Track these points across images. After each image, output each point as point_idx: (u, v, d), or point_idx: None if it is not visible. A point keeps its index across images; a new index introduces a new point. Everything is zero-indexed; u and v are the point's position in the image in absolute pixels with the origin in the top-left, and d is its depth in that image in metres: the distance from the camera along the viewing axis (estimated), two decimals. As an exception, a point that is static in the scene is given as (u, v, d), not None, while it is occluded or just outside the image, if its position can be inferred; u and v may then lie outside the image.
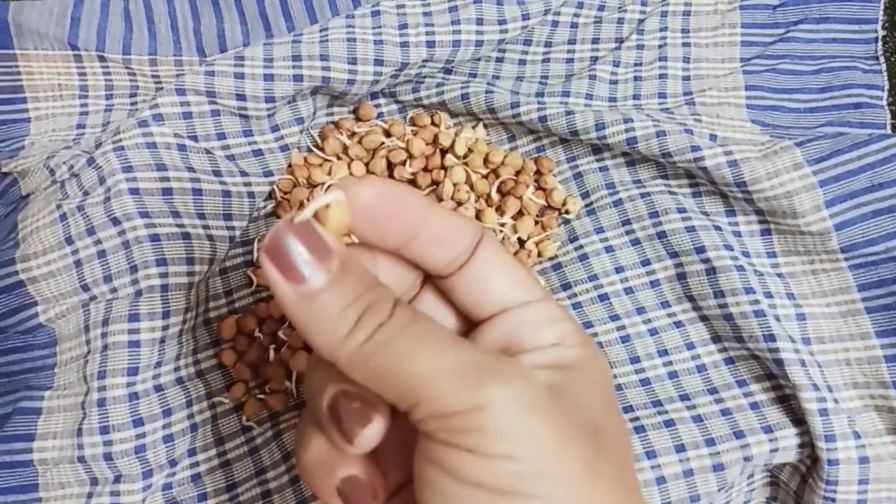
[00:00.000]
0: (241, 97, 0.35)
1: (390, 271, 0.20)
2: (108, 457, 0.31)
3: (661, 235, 0.36)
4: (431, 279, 0.20)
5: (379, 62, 0.36)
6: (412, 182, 0.40)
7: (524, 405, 0.16)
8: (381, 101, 0.41)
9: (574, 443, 0.16)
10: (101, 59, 0.40)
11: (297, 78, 0.36)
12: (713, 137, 0.36)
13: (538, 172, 0.39)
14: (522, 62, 0.41)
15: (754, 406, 0.33)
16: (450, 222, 0.19)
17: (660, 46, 0.41)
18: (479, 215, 0.38)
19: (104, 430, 0.31)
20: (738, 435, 0.32)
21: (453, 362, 0.16)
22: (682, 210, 0.35)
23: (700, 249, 0.34)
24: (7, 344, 0.34)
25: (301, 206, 0.38)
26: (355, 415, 0.17)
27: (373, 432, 0.17)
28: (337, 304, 0.16)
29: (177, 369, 0.34)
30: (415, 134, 0.40)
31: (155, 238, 0.32)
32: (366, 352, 0.16)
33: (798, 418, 0.33)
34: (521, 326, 0.19)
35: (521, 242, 0.38)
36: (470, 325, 0.20)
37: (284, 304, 0.16)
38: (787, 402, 0.33)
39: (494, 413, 0.15)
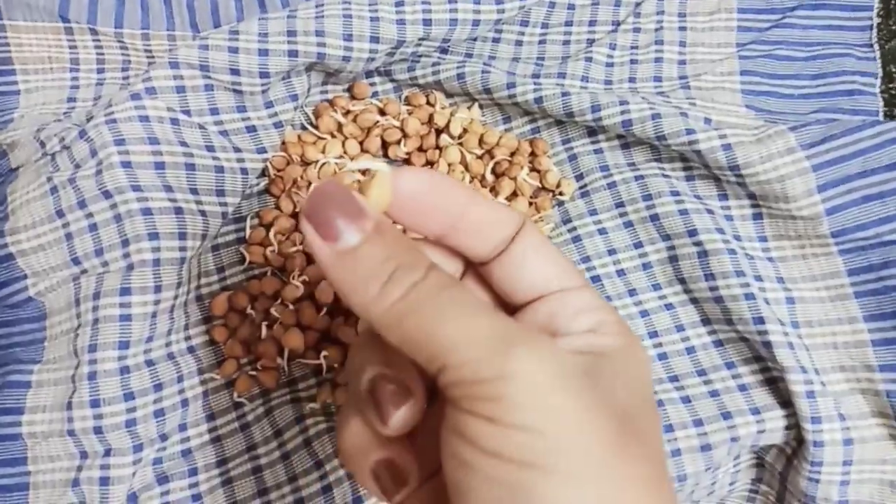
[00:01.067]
0: (234, 72, 0.35)
1: (433, 258, 0.20)
2: (98, 430, 0.31)
3: (654, 218, 0.36)
4: (472, 266, 0.21)
5: (375, 39, 0.36)
6: (406, 162, 0.39)
7: (549, 379, 0.16)
8: (377, 79, 0.41)
9: (600, 424, 0.16)
10: (93, 32, 0.39)
11: (292, 53, 0.35)
12: (708, 121, 0.36)
13: (533, 154, 0.39)
14: (519, 43, 0.41)
15: (742, 388, 0.34)
16: (491, 212, 0.19)
17: (656, 30, 0.41)
18: (473, 196, 0.38)
19: (94, 404, 0.31)
20: (726, 416, 0.33)
21: (482, 330, 0.16)
22: (675, 193, 0.36)
23: (692, 232, 0.34)
24: (-4, 317, 0.34)
25: (294, 183, 0.38)
26: (391, 396, 0.17)
27: (406, 414, 0.17)
28: (370, 261, 0.17)
29: (168, 344, 0.33)
30: (410, 113, 0.39)
31: (147, 212, 0.32)
32: (399, 310, 0.16)
33: (785, 400, 0.33)
34: (559, 312, 0.19)
35: (515, 223, 0.38)
36: (509, 312, 0.20)
37: (320, 261, 0.17)
38: (775, 384, 0.34)
39: (517, 384, 0.15)
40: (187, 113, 0.35)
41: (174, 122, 0.35)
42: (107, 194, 0.32)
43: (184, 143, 0.35)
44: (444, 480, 0.17)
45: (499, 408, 0.15)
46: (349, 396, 0.20)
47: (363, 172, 0.34)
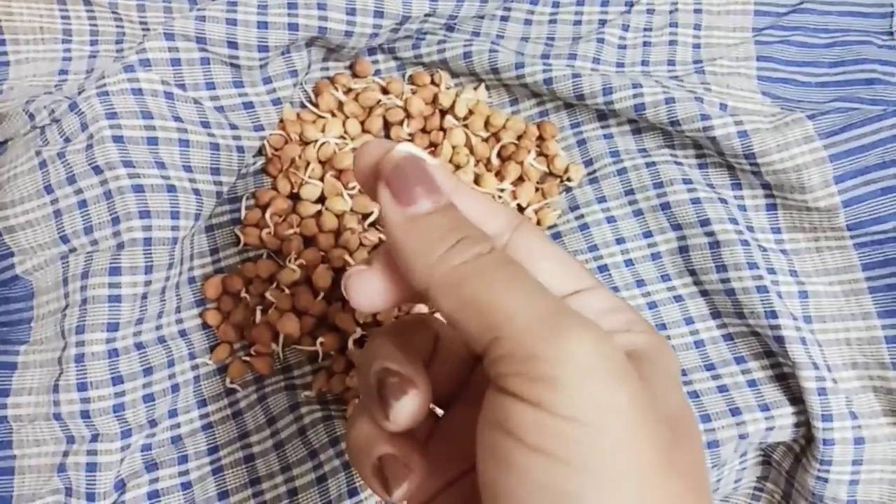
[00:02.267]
0: (232, 45, 0.34)
1: None
2: (85, 414, 0.30)
3: (665, 207, 0.35)
4: None
5: (379, 14, 0.35)
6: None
7: (608, 369, 0.14)
8: (379, 57, 0.40)
9: (652, 428, 0.14)
10: (86, 2, 0.38)
11: (293, 27, 0.34)
12: (723, 107, 0.35)
13: (540, 138, 0.38)
14: (528, 22, 0.40)
15: (751, 383, 0.33)
16: (480, 200, 0.19)
17: (671, 12, 0.39)
18: (477, 180, 0.36)
19: (82, 387, 0.30)
20: (735, 412, 0.32)
21: (543, 306, 0.15)
22: (687, 181, 0.34)
23: (704, 222, 0.33)
24: (-19, 296, 0.33)
25: (292, 163, 0.36)
26: (392, 388, 0.17)
27: (407, 406, 0.17)
28: (439, 228, 0.17)
29: (159, 327, 0.32)
30: (414, 93, 0.38)
31: (139, 189, 0.31)
32: (459, 275, 0.16)
33: (795, 397, 0.32)
34: (586, 312, 0.17)
35: (521, 209, 0.37)
36: None
37: (391, 223, 0.17)
38: (785, 380, 0.33)
39: (573, 367, 0.14)
40: (182, 87, 0.34)
41: (168, 95, 0.33)
42: (97, 170, 0.31)
43: (178, 119, 0.33)
44: (467, 488, 0.16)
45: (549, 391, 0.14)
46: (360, 394, 0.19)
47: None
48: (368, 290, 0.18)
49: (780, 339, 0.31)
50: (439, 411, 0.21)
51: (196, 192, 0.33)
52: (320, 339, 0.34)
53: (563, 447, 0.14)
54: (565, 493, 0.14)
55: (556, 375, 0.14)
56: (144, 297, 0.31)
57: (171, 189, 0.32)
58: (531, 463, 0.14)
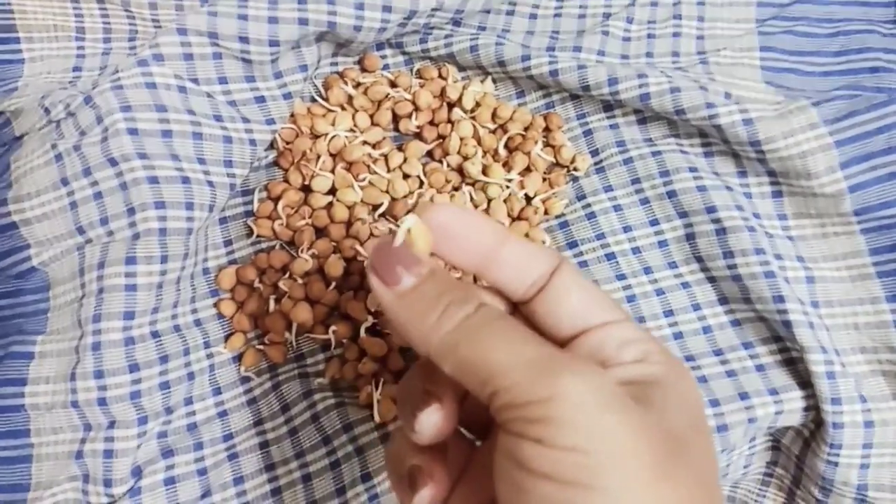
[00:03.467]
0: (244, 39, 0.34)
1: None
2: (102, 402, 0.30)
3: (672, 195, 0.35)
4: (518, 309, 0.21)
5: (387, 8, 0.35)
6: (418, 136, 0.39)
7: (595, 400, 0.16)
8: (388, 51, 0.40)
9: (647, 446, 0.16)
10: (100, 0, 0.38)
11: (303, 21, 0.34)
12: (728, 95, 0.35)
13: (547, 129, 0.38)
14: (533, 16, 0.40)
15: (759, 368, 0.33)
16: (525, 249, 0.20)
17: (674, 4, 0.40)
18: (485, 170, 0.37)
19: (98, 375, 0.30)
20: (743, 396, 0.32)
21: (531, 355, 0.17)
22: (693, 169, 0.35)
23: (711, 209, 0.34)
24: (-1, 288, 0.33)
25: (303, 156, 0.37)
26: (419, 401, 0.19)
27: (431, 418, 0.19)
28: (426, 298, 0.19)
29: (174, 316, 0.33)
30: (422, 86, 0.39)
31: (153, 180, 0.31)
32: (453, 339, 0.18)
33: (803, 381, 0.32)
34: (604, 345, 0.19)
35: (528, 199, 0.37)
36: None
37: (384, 304, 0.19)
38: (793, 364, 0.33)
39: (564, 404, 0.16)
40: (195, 81, 0.35)
41: (181, 89, 0.34)
42: (112, 162, 0.32)
43: (191, 112, 0.34)
44: None
45: (547, 429, 0.16)
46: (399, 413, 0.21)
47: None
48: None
49: (787, 324, 0.32)
50: (470, 438, 0.23)
51: (210, 183, 0.33)
52: (333, 328, 0.34)
53: (567, 472, 0.16)
54: None
55: (552, 415, 0.16)
56: (160, 286, 0.31)
57: (186, 180, 0.32)
58: (542, 488, 0.16)
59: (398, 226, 0.19)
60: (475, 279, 0.33)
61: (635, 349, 0.19)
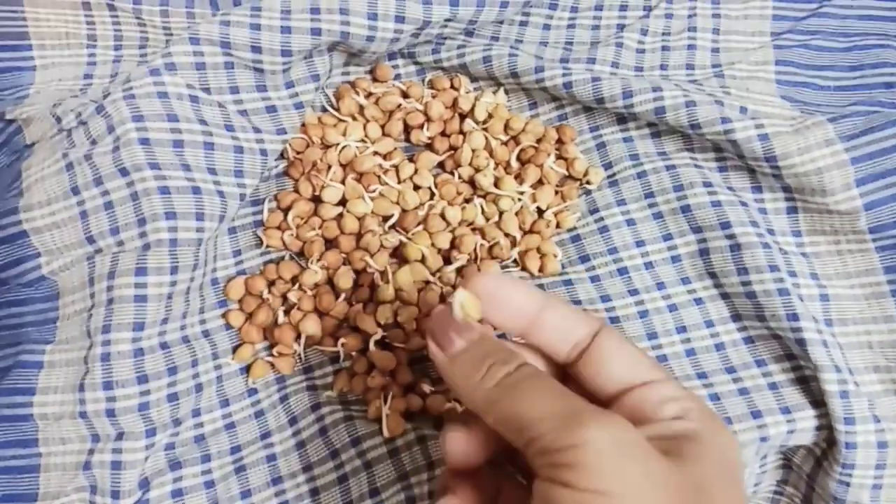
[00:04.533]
0: (256, 49, 0.34)
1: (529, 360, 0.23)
2: (110, 413, 0.30)
3: (686, 209, 0.35)
4: (565, 370, 0.23)
5: (400, 19, 0.35)
6: (429, 147, 0.38)
7: (620, 448, 0.18)
8: (399, 62, 0.40)
9: (671, 495, 0.18)
10: (111, 7, 0.38)
11: (315, 31, 0.34)
12: (744, 110, 0.35)
13: (560, 141, 0.38)
14: (547, 27, 0.40)
15: (772, 386, 0.33)
16: (565, 314, 0.22)
17: (689, 16, 0.40)
18: (497, 183, 0.37)
19: (107, 386, 0.30)
20: (756, 415, 0.32)
21: (562, 407, 0.19)
22: (707, 184, 0.34)
23: (725, 225, 0.33)
24: (8, 296, 0.33)
25: (314, 166, 0.37)
26: (448, 424, 0.22)
27: (456, 440, 0.22)
28: (473, 359, 0.22)
29: (183, 327, 0.33)
30: (434, 97, 0.38)
31: (164, 191, 0.31)
32: (493, 395, 0.20)
33: (816, 400, 0.32)
34: (644, 403, 0.21)
35: (540, 212, 0.37)
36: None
37: (438, 365, 0.22)
38: (806, 383, 0.33)
39: (590, 451, 0.18)
40: (207, 91, 0.34)
41: (193, 99, 0.34)
42: (123, 172, 0.31)
43: (203, 122, 0.34)
44: None
45: (574, 473, 0.18)
46: None
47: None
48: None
49: (801, 342, 0.31)
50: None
51: (220, 193, 0.33)
52: (342, 340, 0.34)
53: None
54: None
55: (577, 460, 0.18)
56: (170, 297, 0.31)
57: (196, 191, 0.32)
58: None
59: (451, 299, 0.22)
60: None
61: (675, 406, 0.21)
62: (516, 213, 0.36)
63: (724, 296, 0.34)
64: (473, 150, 0.37)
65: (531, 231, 0.36)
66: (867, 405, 0.31)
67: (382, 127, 0.38)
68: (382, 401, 0.33)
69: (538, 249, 0.36)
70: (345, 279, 0.34)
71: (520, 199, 0.36)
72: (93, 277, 0.32)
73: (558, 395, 0.20)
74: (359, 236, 0.36)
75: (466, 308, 0.22)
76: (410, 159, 0.38)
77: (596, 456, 0.18)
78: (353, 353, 0.35)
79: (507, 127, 0.38)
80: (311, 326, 0.34)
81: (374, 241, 0.35)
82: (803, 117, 0.34)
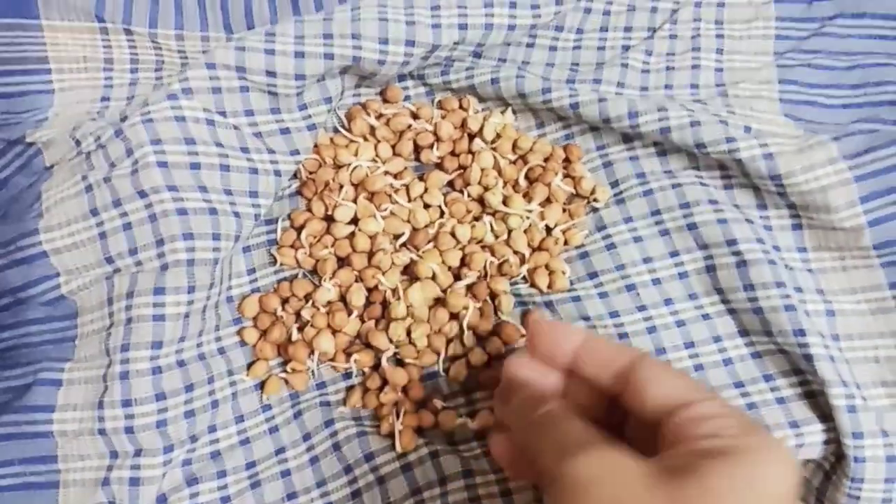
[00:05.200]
0: (270, 73, 0.35)
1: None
2: (129, 430, 0.31)
3: (692, 227, 0.35)
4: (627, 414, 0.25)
5: (410, 43, 0.36)
6: (439, 166, 0.39)
7: (596, 477, 0.20)
8: (409, 83, 0.41)
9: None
10: (128, 32, 0.39)
11: (328, 56, 0.35)
12: (748, 129, 0.35)
13: (567, 160, 0.38)
14: (553, 48, 0.41)
15: (780, 401, 0.33)
16: (605, 347, 0.25)
17: (693, 37, 0.40)
18: (506, 201, 0.37)
19: (126, 404, 0.31)
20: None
21: (563, 442, 0.22)
22: (713, 202, 0.35)
23: (731, 242, 0.34)
24: (27, 315, 0.34)
25: (326, 186, 0.38)
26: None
27: (495, 442, 0.27)
28: (520, 406, 0.26)
29: (199, 345, 0.33)
30: (443, 117, 0.39)
31: (182, 212, 0.32)
32: (525, 431, 0.25)
33: (824, 414, 0.32)
34: (682, 423, 0.21)
35: (549, 230, 0.37)
36: (649, 432, 0.23)
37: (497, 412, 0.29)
38: (813, 397, 0.33)
39: (567, 480, 0.20)
40: (223, 114, 0.35)
41: (210, 122, 0.35)
42: (142, 194, 0.32)
43: (219, 144, 0.35)
44: None
45: (554, 500, 0.21)
46: None
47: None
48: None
49: (808, 357, 0.32)
50: None
51: (236, 214, 0.34)
52: (355, 357, 0.34)
53: None
54: None
55: (557, 489, 0.21)
56: (187, 315, 0.32)
57: (213, 212, 0.33)
58: None
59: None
60: None
61: (713, 424, 0.21)
62: (525, 231, 0.37)
63: (732, 311, 0.35)
64: (482, 170, 0.38)
65: (540, 248, 0.37)
66: (875, 419, 0.31)
67: (393, 147, 0.39)
68: (395, 416, 0.34)
69: (547, 266, 0.37)
70: (357, 296, 0.35)
71: (528, 217, 0.37)
72: (111, 297, 0.32)
73: (569, 431, 0.22)
74: (370, 254, 0.36)
75: None
76: (420, 178, 0.39)
77: (570, 484, 0.20)
78: (366, 370, 0.35)
79: (515, 146, 0.39)
80: (325, 344, 0.34)
81: (385, 259, 0.36)
82: (807, 136, 0.35)
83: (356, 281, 0.36)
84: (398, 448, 0.33)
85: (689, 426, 0.21)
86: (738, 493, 0.19)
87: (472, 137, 0.39)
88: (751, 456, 0.19)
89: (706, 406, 0.21)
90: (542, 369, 0.26)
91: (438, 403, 0.34)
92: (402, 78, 0.41)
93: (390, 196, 0.37)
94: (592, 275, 0.37)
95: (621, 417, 0.25)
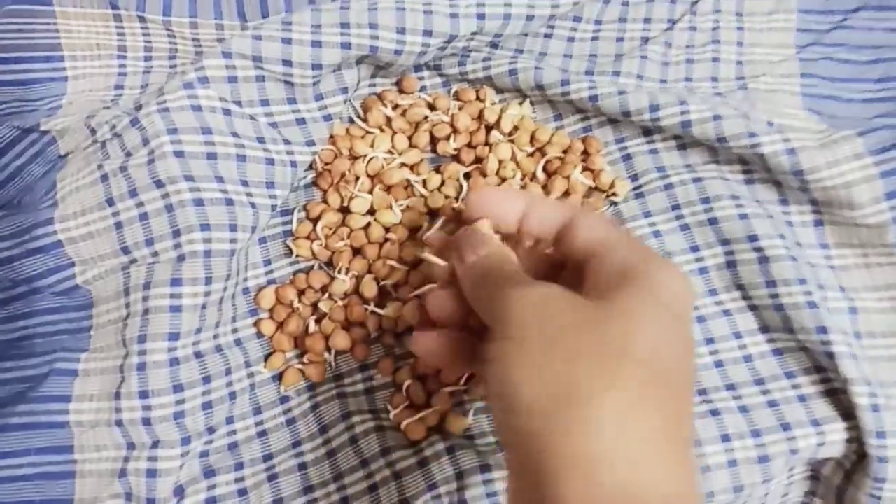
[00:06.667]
0: (287, 63, 0.35)
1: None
2: (146, 421, 0.30)
3: (713, 221, 0.35)
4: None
5: (428, 33, 0.35)
6: (455, 158, 0.39)
7: (528, 305, 0.22)
8: (425, 73, 0.41)
9: (583, 326, 0.21)
10: (141, 19, 0.39)
11: (345, 46, 0.35)
12: (770, 124, 0.35)
13: (585, 153, 0.38)
14: (571, 39, 0.40)
15: (801, 399, 0.33)
16: (549, 204, 0.28)
17: (713, 29, 0.40)
18: (523, 194, 0.37)
19: (143, 395, 0.30)
20: (785, 427, 0.32)
21: (498, 280, 0.25)
22: (734, 197, 0.35)
23: (753, 237, 0.33)
24: (42, 304, 0.34)
25: (342, 177, 0.37)
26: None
27: (418, 337, 0.28)
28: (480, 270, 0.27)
29: (216, 336, 0.33)
30: (460, 109, 0.39)
31: (199, 202, 0.32)
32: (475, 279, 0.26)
33: (846, 413, 0.32)
34: (600, 259, 0.24)
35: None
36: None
37: (458, 273, 0.27)
38: (835, 395, 0.33)
39: (503, 309, 0.23)
40: (238, 103, 0.35)
41: (226, 112, 0.34)
42: (159, 183, 0.32)
43: (235, 134, 0.34)
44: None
45: (495, 329, 0.23)
46: None
47: None
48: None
49: (830, 355, 0.31)
50: None
51: (252, 205, 0.34)
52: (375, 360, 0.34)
53: (491, 355, 0.23)
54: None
55: (495, 317, 0.23)
56: (204, 307, 0.32)
57: (230, 202, 0.33)
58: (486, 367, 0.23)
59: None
60: None
61: (620, 259, 0.24)
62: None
63: (752, 308, 0.34)
64: (500, 162, 0.37)
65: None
66: (897, 419, 0.31)
67: (409, 138, 0.39)
68: (404, 395, 0.33)
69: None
70: (369, 288, 0.35)
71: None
72: (128, 287, 0.32)
73: (510, 272, 0.25)
74: (381, 246, 0.36)
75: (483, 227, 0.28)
76: (437, 170, 0.38)
77: (504, 312, 0.22)
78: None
79: (533, 138, 0.38)
80: (341, 342, 0.34)
81: (394, 250, 0.36)
82: (830, 131, 0.34)
83: (368, 272, 0.36)
84: (406, 434, 0.33)
85: (604, 262, 0.24)
86: (645, 305, 0.22)
87: (489, 129, 0.39)
88: (650, 278, 0.23)
89: (615, 244, 0.25)
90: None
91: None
92: (418, 68, 0.40)
93: (405, 188, 0.37)
94: (611, 269, 0.36)
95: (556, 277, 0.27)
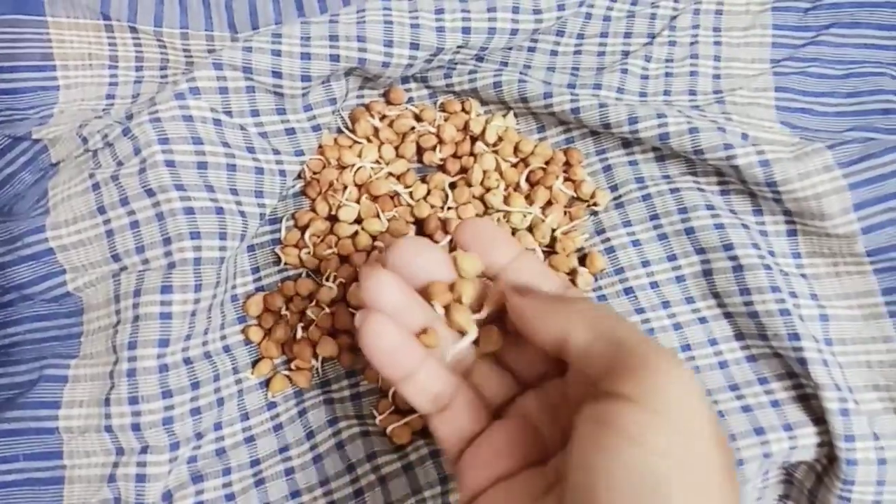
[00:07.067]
0: (277, 74, 0.35)
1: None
2: (135, 427, 0.31)
3: (689, 231, 0.36)
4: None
5: (415, 46, 0.36)
6: (441, 168, 0.40)
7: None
8: (412, 85, 0.41)
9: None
10: (133, 30, 0.40)
11: (334, 58, 0.36)
12: (745, 136, 0.36)
13: (567, 164, 0.39)
14: (554, 53, 0.42)
15: (774, 404, 0.34)
16: (539, 268, 0.25)
17: (691, 44, 0.41)
18: (507, 201, 0.38)
19: (133, 401, 0.31)
20: (759, 432, 0.33)
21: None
22: (710, 207, 0.36)
23: (728, 247, 0.35)
24: (33, 311, 0.34)
25: (330, 186, 0.38)
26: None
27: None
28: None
29: (205, 343, 0.34)
30: (446, 120, 0.40)
31: (189, 211, 0.32)
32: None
33: (817, 417, 0.33)
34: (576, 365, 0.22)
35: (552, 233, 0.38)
36: None
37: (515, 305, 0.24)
38: (807, 400, 0.34)
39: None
40: (229, 114, 0.36)
41: (217, 122, 0.35)
42: (150, 192, 0.33)
43: (226, 144, 0.35)
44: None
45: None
46: None
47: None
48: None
49: (802, 361, 0.32)
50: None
51: (242, 213, 0.34)
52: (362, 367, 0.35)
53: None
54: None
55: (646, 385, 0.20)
56: (193, 314, 0.32)
57: (220, 211, 0.33)
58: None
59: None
60: None
61: (598, 363, 0.21)
62: (529, 229, 0.37)
63: (728, 315, 0.36)
64: (484, 172, 0.38)
65: (551, 251, 0.37)
66: (867, 423, 0.32)
67: (396, 148, 0.40)
68: (390, 400, 0.34)
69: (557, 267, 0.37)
70: (354, 295, 0.35)
71: (530, 214, 0.38)
72: (118, 294, 0.33)
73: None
74: (368, 254, 0.37)
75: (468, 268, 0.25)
76: (423, 180, 0.39)
77: (650, 379, 0.19)
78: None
79: (516, 149, 0.39)
80: (328, 349, 0.35)
81: (381, 258, 0.36)
82: (803, 143, 0.36)
83: (355, 280, 0.36)
84: (392, 438, 0.34)
85: (581, 367, 0.21)
86: (646, 428, 0.18)
87: (474, 140, 0.40)
88: (650, 394, 0.19)
89: (583, 342, 0.21)
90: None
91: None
92: (405, 80, 0.41)
93: (392, 198, 0.38)
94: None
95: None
